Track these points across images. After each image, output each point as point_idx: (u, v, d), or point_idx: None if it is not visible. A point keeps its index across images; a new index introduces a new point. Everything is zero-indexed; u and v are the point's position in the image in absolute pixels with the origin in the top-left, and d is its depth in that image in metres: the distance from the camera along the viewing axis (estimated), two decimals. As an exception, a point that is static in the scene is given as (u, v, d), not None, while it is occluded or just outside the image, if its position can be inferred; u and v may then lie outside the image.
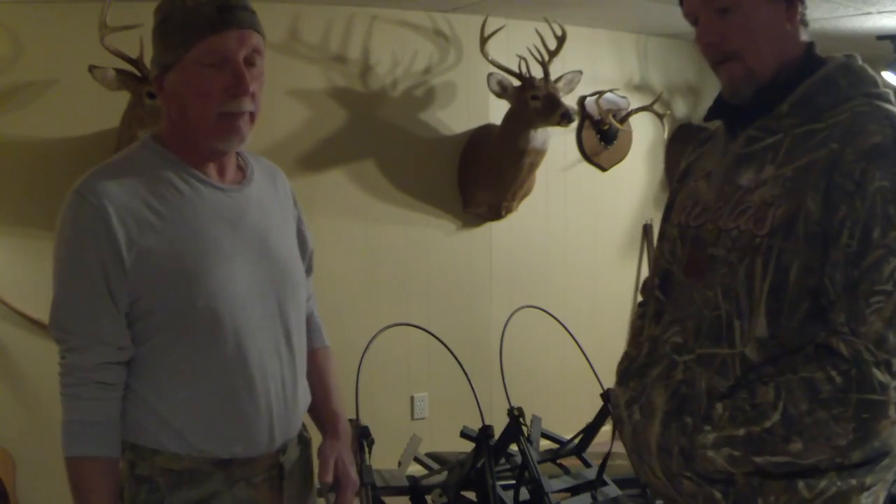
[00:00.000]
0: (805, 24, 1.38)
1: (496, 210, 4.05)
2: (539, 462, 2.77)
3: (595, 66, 4.37)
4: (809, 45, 1.39)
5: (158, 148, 1.43)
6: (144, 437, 1.39)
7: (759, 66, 1.35)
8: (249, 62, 1.38)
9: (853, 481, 1.26)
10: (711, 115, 1.48)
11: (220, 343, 1.39)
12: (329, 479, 1.50)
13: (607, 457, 2.82)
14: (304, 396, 1.55)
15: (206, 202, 1.42)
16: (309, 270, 1.66)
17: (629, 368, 1.48)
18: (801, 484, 1.26)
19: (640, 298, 1.64)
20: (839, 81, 1.33)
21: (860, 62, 1.37)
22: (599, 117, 4.35)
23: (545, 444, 3.15)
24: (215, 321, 1.38)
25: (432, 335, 2.89)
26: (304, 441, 1.58)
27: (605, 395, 2.85)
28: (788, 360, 1.27)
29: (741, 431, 1.26)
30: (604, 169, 4.51)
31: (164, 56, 1.38)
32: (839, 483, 1.25)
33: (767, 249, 1.28)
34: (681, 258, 1.45)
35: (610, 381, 2.86)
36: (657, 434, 1.35)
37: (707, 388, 1.31)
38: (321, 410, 1.61)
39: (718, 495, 1.31)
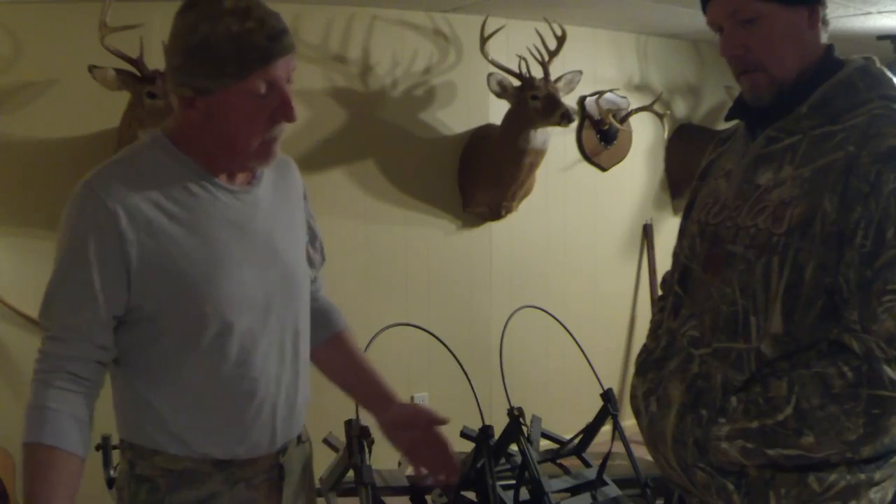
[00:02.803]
0: (826, 23, 1.40)
1: (496, 210, 4.05)
2: (539, 462, 2.77)
3: (595, 66, 4.37)
4: (829, 48, 1.41)
5: (171, 147, 1.39)
6: (144, 437, 1.39)
7: (781, 73, 1.38)
8: (289, 82, 1.36)
9: (862, 476, 1.28)
10: (732, 115, 1.50)
11: (226, 348, 1.37)
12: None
13: (607, 457, 2.82)
14: (305, 397, 1.54)
15: (216, 206, 1.39)
16: (322, 260, 1.68)
17: (647, 360, 1.50)
18: (811, 477, 1.28)
19: (657, 294, 1.66)
20: (857, 84, 1.35)
21: (878, 64, 1.39)
22: (599, 117, 4.35)
23: (545, 444, 3.14)
24: (223, 326, 1.37)
25: (432, 335, 2.89)
26: (304, 442, 1.57)
27: (605, 395, 2.85)
28: (802, 355, 1.28)
29: (754, 424, 1.28)
30: (604, 169, 4.51)
31: (204, 81, 1.31)
32: (848, 477, 1.27)
33: (784, 248, 1.30)
34: (699, 254, 1.47)
35: (610, 381, 2.87)
36: (672, 425, 1.38)
37: (723, 382, 1.33)
38: (372, 393, 1.64)
39: (731, 487, 1.33)
